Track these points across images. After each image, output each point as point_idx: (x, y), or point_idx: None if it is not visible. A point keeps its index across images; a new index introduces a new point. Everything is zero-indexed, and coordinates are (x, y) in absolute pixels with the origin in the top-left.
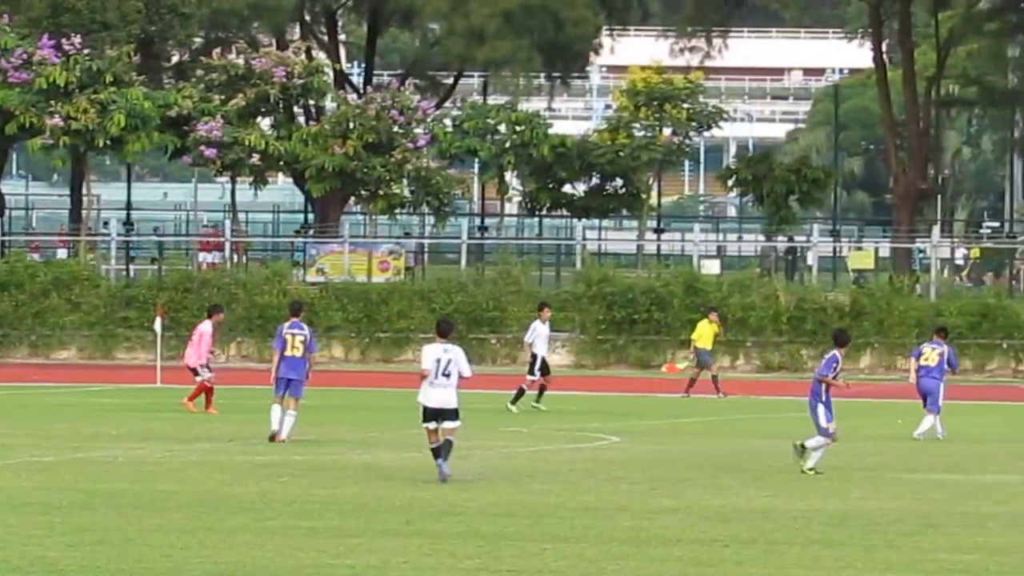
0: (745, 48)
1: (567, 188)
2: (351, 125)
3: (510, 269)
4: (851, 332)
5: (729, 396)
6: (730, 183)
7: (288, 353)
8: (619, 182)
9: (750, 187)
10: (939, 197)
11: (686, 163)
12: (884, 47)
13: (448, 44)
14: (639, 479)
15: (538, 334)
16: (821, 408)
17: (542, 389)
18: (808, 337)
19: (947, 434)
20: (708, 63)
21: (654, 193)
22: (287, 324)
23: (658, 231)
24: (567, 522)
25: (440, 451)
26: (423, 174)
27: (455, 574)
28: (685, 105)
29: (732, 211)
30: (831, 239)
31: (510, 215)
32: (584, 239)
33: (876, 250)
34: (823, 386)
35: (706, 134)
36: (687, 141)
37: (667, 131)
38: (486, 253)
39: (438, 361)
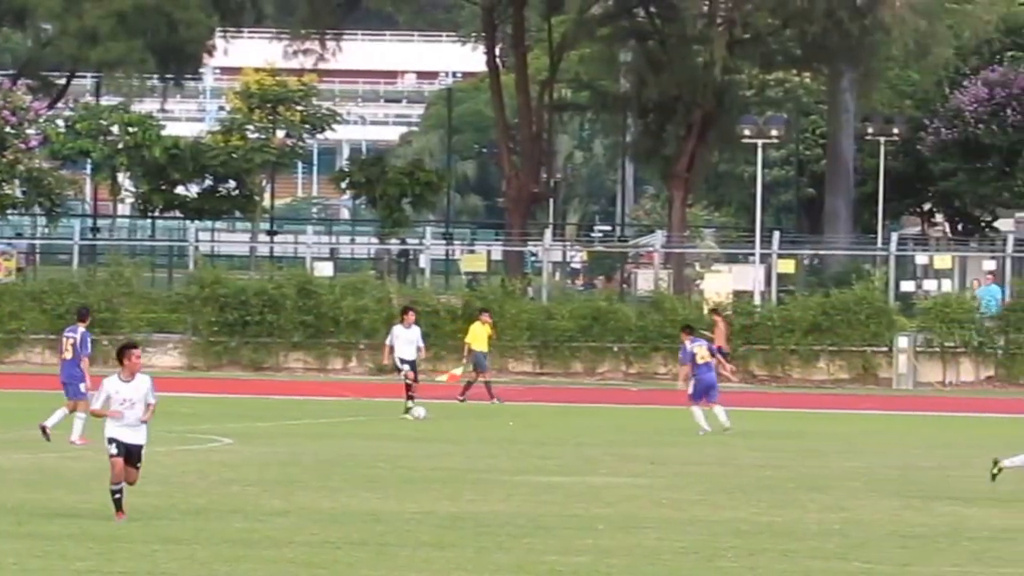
0: (359, 51)
1: (180, 190)
2: None
3: (122, 270)
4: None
5: (505, 402)
6: (343, 185)
7: (62, 356)
8: (232, 184)
9: (363, 190)
10: (551, 201)
11: (300, 165)
12: (497, 51)
13: (61, 44)
14: (251, 481)
15: (395, 336)
16: None
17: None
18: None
19: (560, 437)
20: (322, 66)
21: (267, 195)
22: (67, 328)
23: (271, 233)
24: (179, 524)
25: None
26: (35, 175)
27: (66, 575)
28: (299, 108)
29: (346, 213)
30: (444, 242)
31: (123, 216)
32: (197, 240)
33: (489, 253)
34: None
35: (320, 136)
36: (301, 143)
37: (280, 133)
38: (98, 254)
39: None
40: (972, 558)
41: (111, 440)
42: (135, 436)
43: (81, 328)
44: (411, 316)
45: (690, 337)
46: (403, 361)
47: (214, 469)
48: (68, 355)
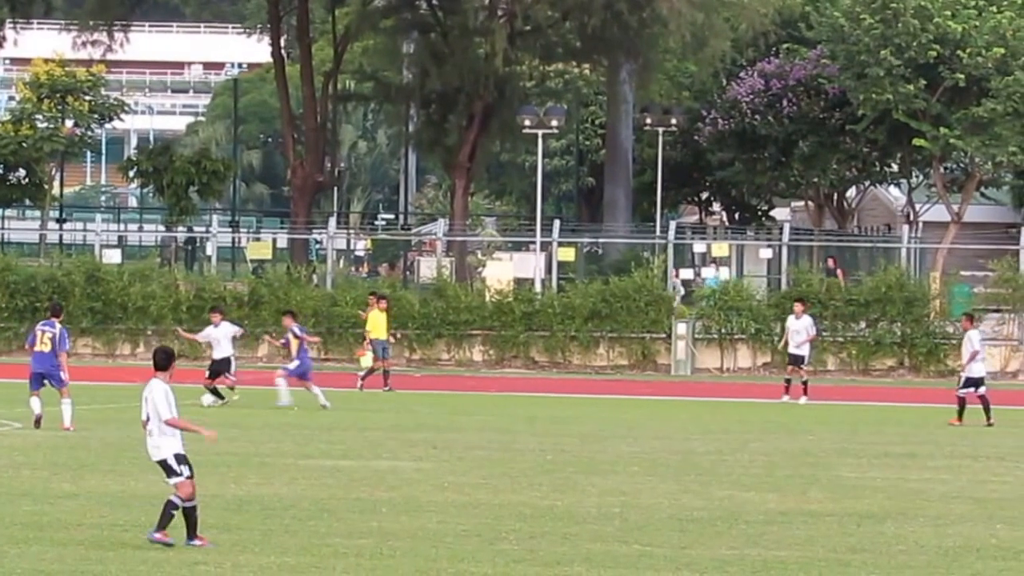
0: (146, 42)
1: None
2: None
3: None
4: (249, 321)
5: (395, 390)
6: (131, 174)
7: (37, 348)
8: (22, 172)
9: (151, 178)
10: (335, 189)
11: (88, 154)
12: (282, 42)
13: None
14: (40, 464)
15: (211, 335)
16: None
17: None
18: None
19: (344, 422)
20: (110, 57)
21: (56, 183)
22: (41, 322)
23: (60, 221)
24: None
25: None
26: None
27: None
28: (87, 97)
29: (134, 201)
30: (230, 230)
31: None
32: None
33: (274, 240)
34: None
35: (108, 126)
36: (89, 133)
37: (69, 123)
38: None
39: (145, 400)
40: (749, 541)
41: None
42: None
43: (58, 324)
44: (217, 316)
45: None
46: (217, 361)
47: (3, 453)
48: (46, 348)
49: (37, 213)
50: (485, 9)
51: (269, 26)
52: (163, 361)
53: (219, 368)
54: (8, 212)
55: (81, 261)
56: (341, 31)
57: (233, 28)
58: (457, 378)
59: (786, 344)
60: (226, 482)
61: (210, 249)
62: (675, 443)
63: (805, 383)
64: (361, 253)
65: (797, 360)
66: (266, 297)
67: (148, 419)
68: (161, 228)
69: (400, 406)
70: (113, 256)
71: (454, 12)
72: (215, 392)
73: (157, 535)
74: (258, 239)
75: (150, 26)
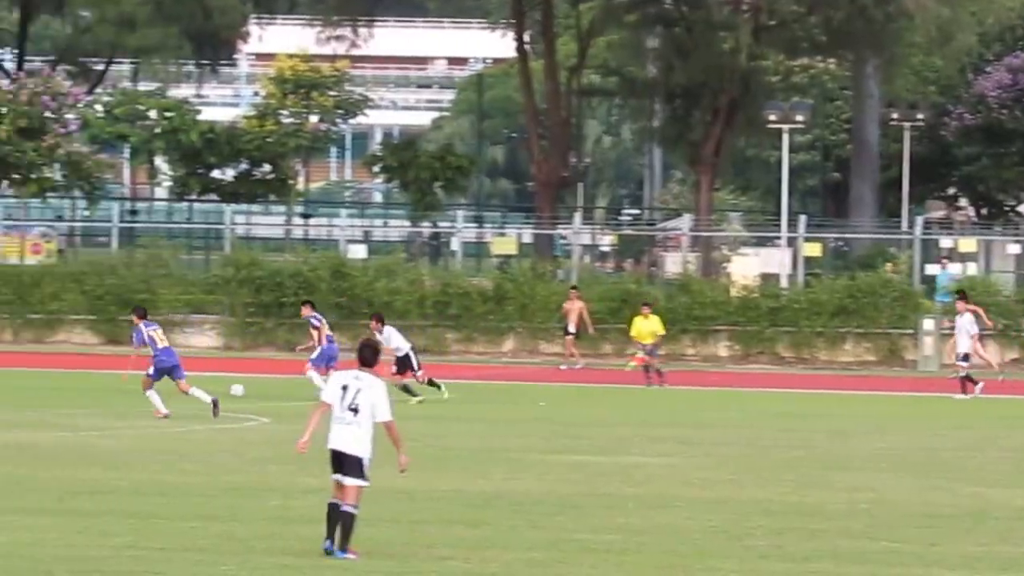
0: (390, 37)
1: (216, 173)
2: (3, 110)
3: (160, 252)
4: (494, 317)
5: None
6: (376, 169)
7: (162, 345)
8: (267, 168)
9: (395, 174)
10: (580, 185)
11: (333, 150)
12: (526, 37)
13: (99, 31)
14: (287, 459)
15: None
16: None
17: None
18: (452, 321)
19: (591, 417)
20: (354, 52)
21: (301, 179)
22: (143, 323)
23: (305, 216)
24: (216, 501)
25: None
26: (74, 159)
27: (106, 551)
28: (331, 93)
29: (378, 197)
30: (475, 225)
31: (160, 199)
32: (232, 223)
33: (519, 236)
34: None
35: (352, 121)
36: (333, 128)
37: (314, 118)
38: (136, 237)
39: (345, 389)
40: (998, 538)
41: None
42: None
43: (154, 323)
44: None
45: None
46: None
47: (250, 448)
48: (166, 343)
49: (282, 209)
50: (729, 3)
51: (513, 21)
52: (372, 357)
53: (404, 364)
54: (253, 208)
55: (326, 257)
56: (585, 26)
57: (477, 23)
58: (702, 374)
59: None
60: (472, 477)
61: (455, 244)
62: (922, 439)
63: None
64: (606, 248)
65: None
66: (511, 293)
67: (356, 410)
68: (406, 223)
69: (646, 402)
70: (358, 251)
71: (698, 6)
72: (406, 389)
73: (350, 554)
74: (503, 234)
75: (394, 21)
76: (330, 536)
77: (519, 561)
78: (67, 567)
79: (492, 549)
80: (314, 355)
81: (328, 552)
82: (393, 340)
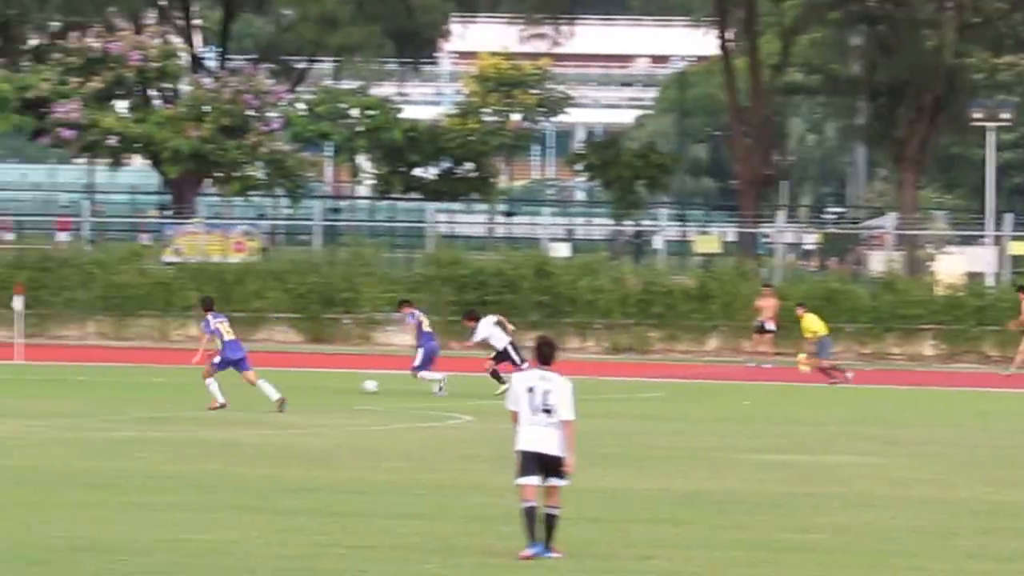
0: (592, 35)
1: (418, 172)
2: (206, 108)
3: (363, 251)
4: (698, 315)
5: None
6: (578, 168)
7: (228, 338)
8: (469, 166)
9: (598, 172)
10: (783, 183)
11: (535, 148)
12: (729, 35)
13: (301, 29)
14: (489, 457)
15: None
16: None
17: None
18: (655, 319)
19: (795, 416)
20: (555, 50)
21: (504, 177)
22: (210, 315)
23: (508, 214)
24: (418, 499)
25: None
26: (277, 157)
27: (309, 549)
28: (534, 91)
29: (580, 196)
30: (678, 223)
31: (362, 198)
32: (435, 222)
33: (722, 234)
34: None
35: (554, 119)
36: (536, 126)
37: (516, 116)
38: (339, 235)
39: (531, 391)
40: None
41: None
42: None
43: (221, 315)
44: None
45: None
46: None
47: (453, 446)
48: (232, 336)
49: (484, 207)
50: (934, 1)
51: (716, 19)
52: (551, 354)
53: (504, 357)
54: (455, 206)
55: (529, 255)
56: (788, 23)
57: (679, 21)
58: (908, 373)
59: None
60: (675, 476)
61: (658, 243)
62: None
63: None
64: (810, 247)
65: None
66: (714, 291)
67: (549, 410)
68: (609, 222)
69: (851, 401)
70: (561, 250)
71: (902, 4)
72: (496, 375)
73: (555, 553)
74: (706, 233)
75: (596, 19)
76: (534, 541)
77: (722, 560)
78: (271, 565)
79: (695, 548)
80: (417, 361)
81: (530, 557)
82: (481, 334)
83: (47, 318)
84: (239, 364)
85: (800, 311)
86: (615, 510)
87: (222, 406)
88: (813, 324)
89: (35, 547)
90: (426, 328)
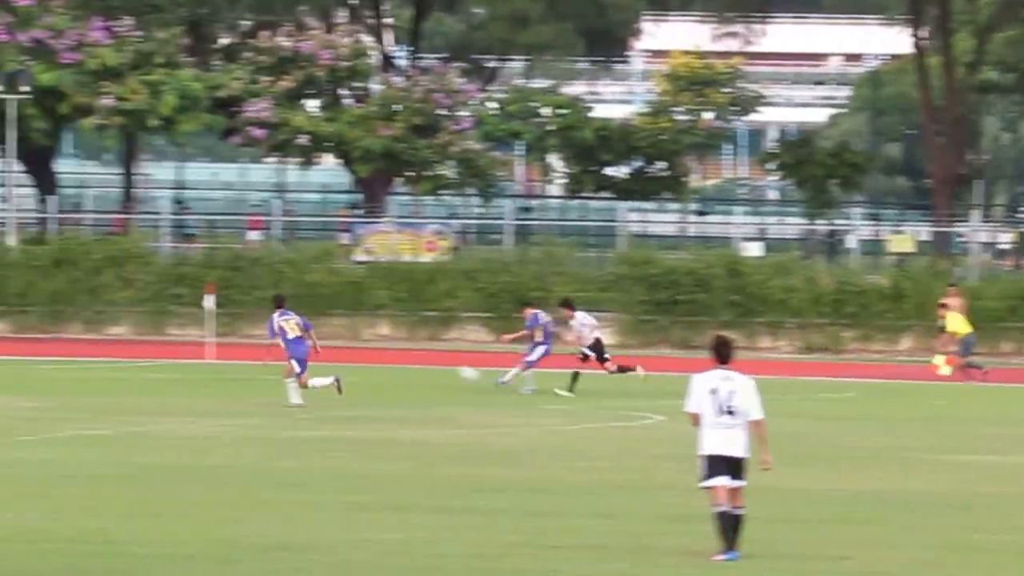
0: (785, 34)
1: (609, 171)
2: (397, 107)
3: (554, 250)
4: (891, 315)
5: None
6: (770, 167)
7: (292, 336)
8: (661, 165)
9: (791, 171)
10: (978, 183)
11: (727, 147)
12: (923, 33)
13: (492, 28)
14: (681, 457)
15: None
16: None
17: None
18: (849, 319)
19: (985, 416)
20: (747, 49)
21: (696, 176)
22: (277, 313)
23: (700, 213)
24: (608, 499)
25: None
26: (468, 156)
27: (499, 548)
28: (725, 90)
29: (773, 195)
30: (871, 222)
31: (553, 197)
32: (626, 221)
33: (916, 234)
34: None
35: (746, 118)
36: (727, 125)
37: (708, 115)
38: (530, 234)
39: (714, 393)
40: None
41: None
42: None
43: (290, 312)
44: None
45: None
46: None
47: (645, 446)
48: (296, 333)
49: (676, 206)
50: None
51: (910, 17)
52: (729, 353)
53: (596, 351)
54: (647, 205)
55: (722, 254)
56: (983, 21)
57: (873, 19)
58: None
59: None
60: (866, 476)
61: (851, 242)
62: None
63: None
64: (1005, 246)
65: None
66: (909, 291)
67: (732, 412)
68: (801, 221)
69: None
70: (754, 249)
71: None
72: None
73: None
74: (900, 232)
75: (788, 18)
76: (728, 547)
77: (913, 561)
78: (463, 564)
79: (886, 549)
80: (533, 356)
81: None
82: (578, 327)
83: (238, 317)
84: (302, 363)
85: (944, 310)
86: (807, 510)
87: (299, 407)
88: (956, 323)
89: (227, 546)
90: (551, 328)
